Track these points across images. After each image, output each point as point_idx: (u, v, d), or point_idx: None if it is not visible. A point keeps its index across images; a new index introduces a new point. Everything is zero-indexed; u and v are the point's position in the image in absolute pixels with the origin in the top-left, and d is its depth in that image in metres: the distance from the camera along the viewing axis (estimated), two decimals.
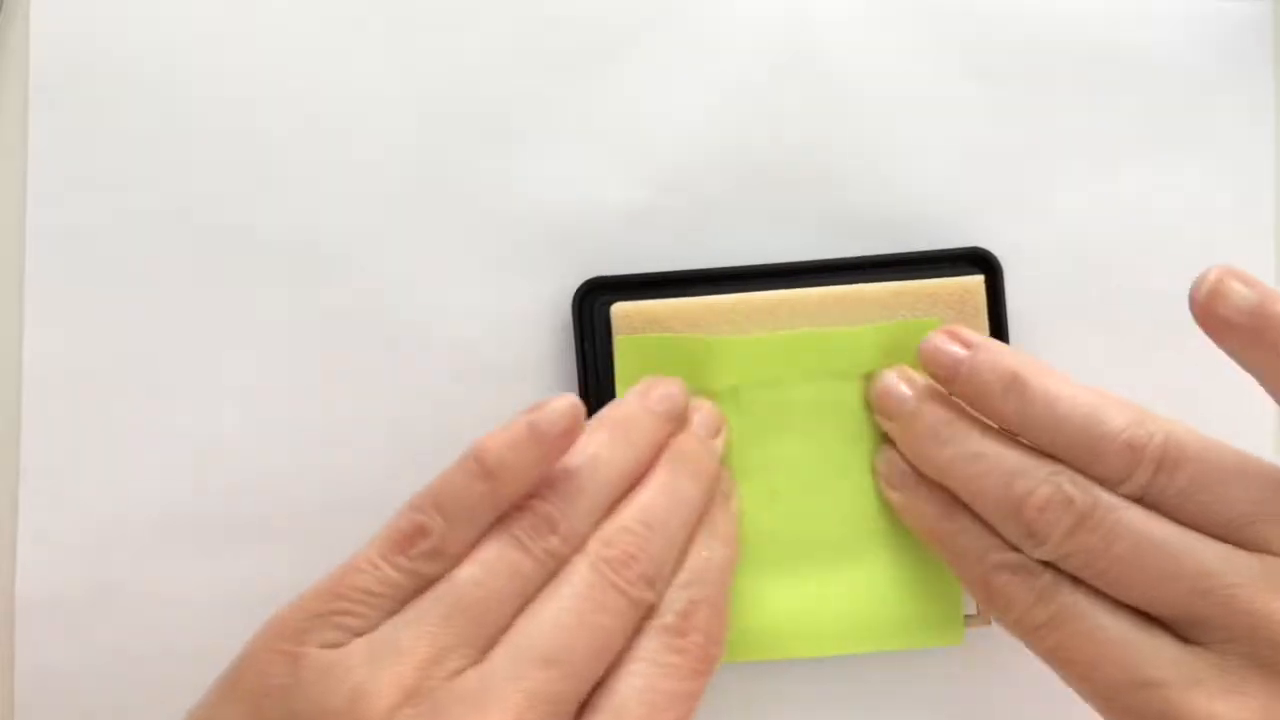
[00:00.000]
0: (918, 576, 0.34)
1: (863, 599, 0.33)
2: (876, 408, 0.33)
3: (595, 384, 0.36)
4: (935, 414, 0.31)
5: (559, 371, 0.37)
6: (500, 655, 0.26)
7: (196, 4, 0.37)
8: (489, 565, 0.27)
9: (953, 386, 0.31)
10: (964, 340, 0.31)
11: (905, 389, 0.32)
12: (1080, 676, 0.29)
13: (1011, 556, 0.29)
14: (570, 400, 0.29)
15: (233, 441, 0.37)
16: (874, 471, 0.33)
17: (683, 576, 0.29)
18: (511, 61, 0.37)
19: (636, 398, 0.32)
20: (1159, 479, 0.28)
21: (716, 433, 0.33)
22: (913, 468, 0.32)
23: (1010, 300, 0.37)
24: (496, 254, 0.37)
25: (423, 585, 0.27)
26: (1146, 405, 0.37)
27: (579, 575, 0.27)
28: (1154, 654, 0.28)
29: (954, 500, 0.31)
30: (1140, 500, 0.29)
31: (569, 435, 0.28)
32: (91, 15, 0.37)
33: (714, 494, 0.32)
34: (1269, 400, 0.34)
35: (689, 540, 0.30)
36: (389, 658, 0.26)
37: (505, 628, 0.27)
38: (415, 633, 0.26)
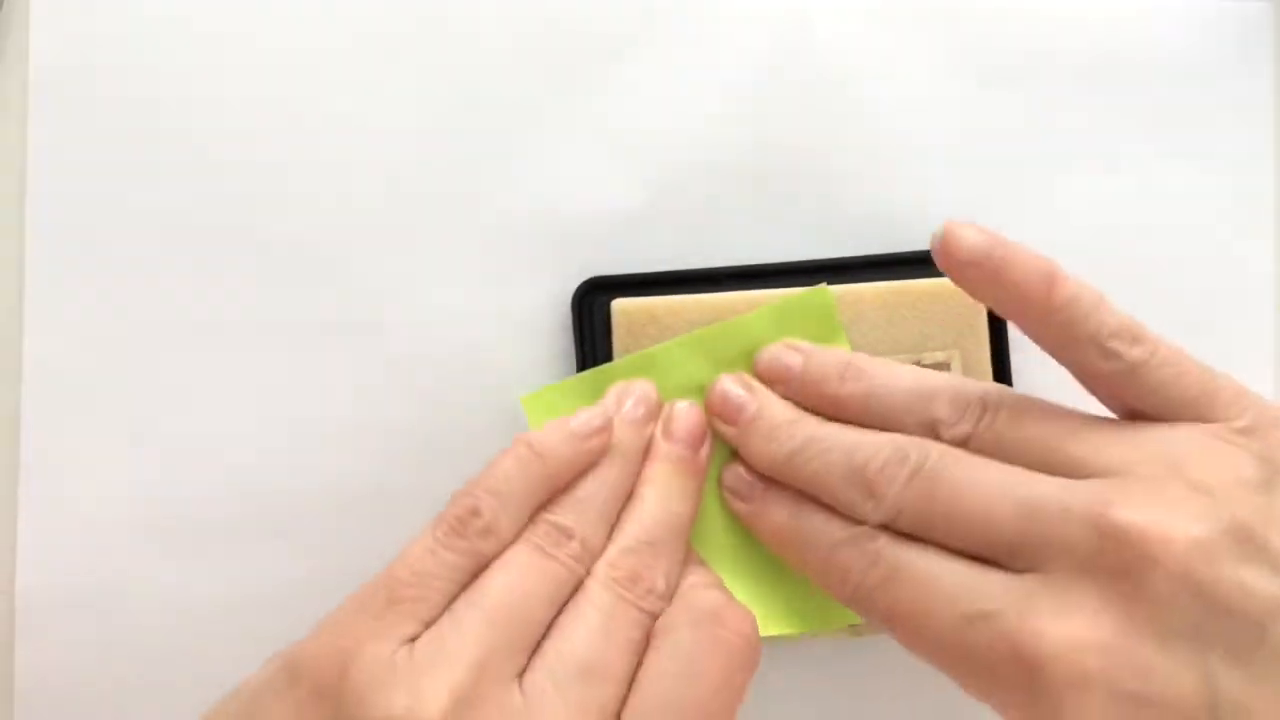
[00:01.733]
0: None
1: (758, 584, 0.33)
2: (715, 413, 0.33)
3: None
4: (775, 412, 0.32)
5: (559, 372, 0.37)
6: (540, 670, 0.27)
7: (197, 6, 0.37)
8: (521, 568, 0.28)
9: (791, 385, 0.32)
10: (799, 349, 0.33)
11: (742, 392, 0.33)
12: (916, 631, 0.29)
13: (850, 531, 0.30)
14: (604, 406, 0.32)
15: (233, 443, 0.37)
16: (721, 487, 0.34)
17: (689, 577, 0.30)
18: (512, 64, 0.38)
19: (614, 407, 0.32)
20: (984, 420, 0.30)
21: (701, 441, 0.33)
22: (757, 475, 0.32)
23: None
24: (497, 255, 0.37)
25: (480, 565, 0.28)
26: None
27: (596, 593, 0.29)
28: (984, 587, 0.28)
29: (800, 496, 0.32)
30: (968, 446, 0.30)
31: (605, 432, 0.31)
32: (91, 17, 0.37)
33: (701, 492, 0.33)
34: (1271, 393, 0.35)
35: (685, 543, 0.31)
36: (441, 664, 0.26)
37: (541, 635, 0.28)
38: (462, 638, 0.27)
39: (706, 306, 0.35)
